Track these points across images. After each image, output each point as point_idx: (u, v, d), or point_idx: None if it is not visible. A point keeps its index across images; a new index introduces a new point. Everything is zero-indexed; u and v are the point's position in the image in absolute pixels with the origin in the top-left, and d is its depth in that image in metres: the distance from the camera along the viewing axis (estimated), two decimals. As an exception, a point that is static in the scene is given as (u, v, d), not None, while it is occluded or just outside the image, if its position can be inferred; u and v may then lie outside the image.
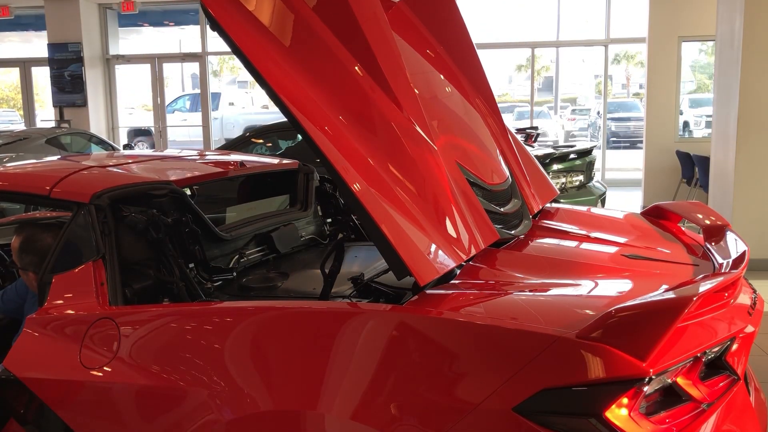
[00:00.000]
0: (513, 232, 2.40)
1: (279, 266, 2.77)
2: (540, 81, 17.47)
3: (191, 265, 2.49)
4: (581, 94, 20.51)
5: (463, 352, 1.63)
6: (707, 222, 2.53)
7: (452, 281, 2.00)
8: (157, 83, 13.64)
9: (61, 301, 2.25)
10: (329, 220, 3.24)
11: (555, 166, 6.44)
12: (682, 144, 9.71)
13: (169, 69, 15.21)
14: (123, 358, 2.01)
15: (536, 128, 8.52)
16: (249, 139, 7.35)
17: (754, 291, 2.07)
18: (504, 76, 19.15)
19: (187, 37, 15.50)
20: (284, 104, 1.87)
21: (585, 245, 2.47)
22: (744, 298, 1.93)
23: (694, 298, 1.56)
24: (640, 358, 1.48)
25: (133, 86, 15.18)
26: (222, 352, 1.86)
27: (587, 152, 6.77)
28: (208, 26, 1.95)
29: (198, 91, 14.45)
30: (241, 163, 3.02)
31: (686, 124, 13.05)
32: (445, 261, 1.93)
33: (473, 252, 2.05)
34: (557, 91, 16.82)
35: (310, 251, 3.00)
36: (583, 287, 2.01)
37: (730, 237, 2.32)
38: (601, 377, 1.48)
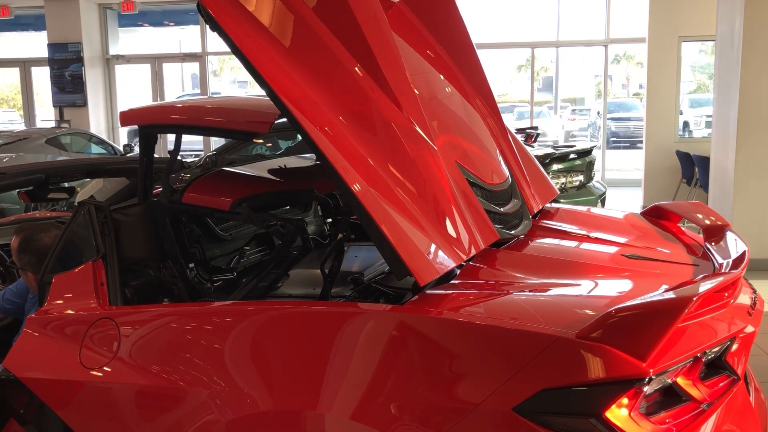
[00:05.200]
0: (513, 232, 2.40)
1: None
2: (540, 81, 17.44)
3: (191, 265, 2.49)
4: (581, 94, 20.49)
5: (463, 352, 1.63)
6: (707, 222, 2.53)
7: (452, 281, 2.00)
8: (157, 83, 13.64)
9: (61, 301, 2.25)
10: (329, 220, 3.24)
11: (555, 166, 6.44)
12: (682, 144, 9.71)
13: (169, 69, 15.19)
14: (123, 358, 2.01)
15: (536, 128, 8.51)
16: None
17: (754, 291, 2.07)
18: (504, 76, 19.11)
19: (187, 37, 15.49)
20: (284, 104, 1.86)
21: (585, 245, 2.47)
22: (744, 298, 1.93)
23: (694, 298, 1.56)
24: (640, 358, 1.48)
25: (133, 86, 15.17)
26: (222, 352, 1.86)
27: (587, 152, 6.77)
28: (208, 26, 1.95)
29: (198, 91, 14.45)
30: None
31: (686, 124, 13.04)
32: (445, 261, 1.93)
33: (473, 252, 2.05)
34: (557, 91, 16.78)
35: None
36: (583, 287, 2.00)
37: (730, 237, 2.31)
38: (601, 377, 1.48)
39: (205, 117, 2.37)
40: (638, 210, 3.64)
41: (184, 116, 2.42)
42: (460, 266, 2.04)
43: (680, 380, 1.59)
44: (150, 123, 2.41)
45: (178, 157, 2.58)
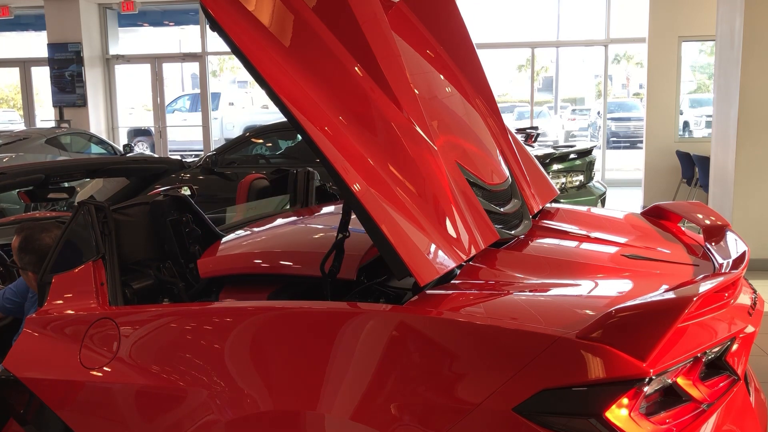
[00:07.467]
0: (513, 232, 2.40)
1: None
2: (540, 81, 17.44)
3: (191, 265, 2.49)
4: (581, 94, 20.48)
5: (463, 352, 1.62)
6: (707, 222, 2.53)
7: (452, 281, 2.00)
8: (157, 83, 13.65)
9: (61, 301, 2.25)
10: None
11: (555, 166, 6.45)
12: (682, 144, 9.71)
13: (169, 69, 15.21)
14: (123, 358, 2.01)
15: (536, 128, 8.52)
16: (249, 139, 7.36)
17: (754, 291, 2.07)
18: (504, 76, 19.10)
19: (187, 37, 15.52)
20: (284, 104, 1.86)
21: (585, 245, 2.47)
22: (744, 298, 1.92)
23: (694, 299, 1.56)
24: (640, 359, 1.47)
25: (133, 86, 15.18)
26: (222, 353, 1.86)
27: (587, 152, 6.78)
28: (208, 26, 1.95)
29: (198, 91, 14.46)
30: None
31: (686, 124, 13.04)
32: (445, 261, 1.93)
33: (473, 252, 2.05)
34: (557, 91, 16.79)
35: None
36: (583, 287, 2.00)
37: (730, 237, 2.31)
38: (601, 377, 1.48)
39: (295, 264, 2.34)
40: (638, 210, 3.64)
41: (276, 263, 2.38)
42: (460, 266, 2.04)
43: (680, 380, 1.59)
44: (236, 273, 2.37)
45: (178, 157, 2.58)
